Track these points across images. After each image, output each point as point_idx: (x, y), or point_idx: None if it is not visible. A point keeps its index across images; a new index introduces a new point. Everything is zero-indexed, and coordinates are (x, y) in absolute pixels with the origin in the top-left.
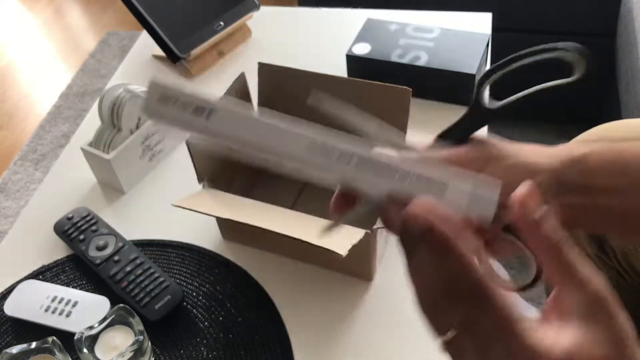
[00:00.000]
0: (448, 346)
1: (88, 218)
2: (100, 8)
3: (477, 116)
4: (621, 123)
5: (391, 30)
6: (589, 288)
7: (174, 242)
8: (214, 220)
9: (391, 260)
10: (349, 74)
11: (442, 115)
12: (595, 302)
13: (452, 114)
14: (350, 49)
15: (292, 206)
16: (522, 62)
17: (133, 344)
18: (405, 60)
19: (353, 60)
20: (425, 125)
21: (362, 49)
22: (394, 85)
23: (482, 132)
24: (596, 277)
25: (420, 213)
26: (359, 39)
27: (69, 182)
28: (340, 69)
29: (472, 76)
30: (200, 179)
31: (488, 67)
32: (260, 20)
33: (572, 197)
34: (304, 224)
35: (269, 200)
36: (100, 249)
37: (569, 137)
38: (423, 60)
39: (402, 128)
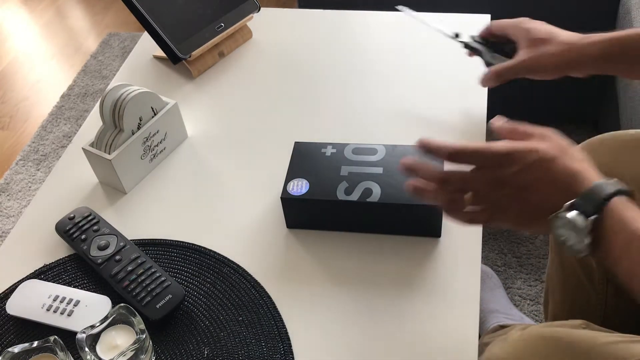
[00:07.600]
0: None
1: (89, 218)
2: (102, 9)
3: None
4: (617, 134)
5: (327, 156)
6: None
7: (175, 241)
8: (214, 219)
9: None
10: (287, 219)
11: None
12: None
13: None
14: (284, 190)
15: None
16: None
17: (134, 343)
18: (355, 197)
19: (290, 204)
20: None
21: (298, 188)
22: None
23: (481, 132)
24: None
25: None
26: (292, 173)
27: (70, 182)
28: (340, 70)
29: (436, 209)
30: None
31: None
32: (261, 21)
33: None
34: None
35: None
36: (101, 248)
37: (566, 137)
38: (376, 194)
39: None
